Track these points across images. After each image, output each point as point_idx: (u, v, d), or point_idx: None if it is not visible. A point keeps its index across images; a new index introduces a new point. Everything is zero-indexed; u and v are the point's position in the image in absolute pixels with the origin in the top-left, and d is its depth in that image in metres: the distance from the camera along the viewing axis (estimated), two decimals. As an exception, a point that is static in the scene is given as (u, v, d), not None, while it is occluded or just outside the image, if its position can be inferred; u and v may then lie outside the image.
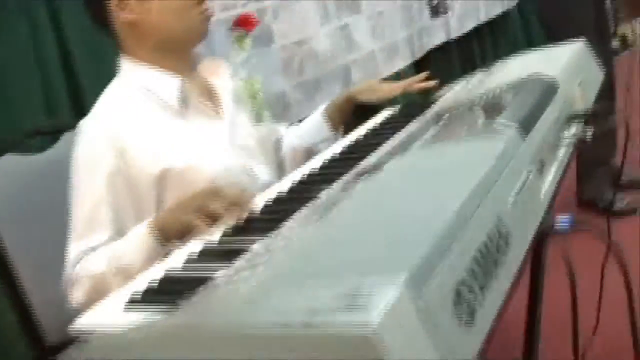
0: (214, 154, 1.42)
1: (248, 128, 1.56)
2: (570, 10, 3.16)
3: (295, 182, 1.17)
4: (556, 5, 3.20)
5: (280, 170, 1.72)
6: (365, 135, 1.39)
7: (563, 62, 1.29)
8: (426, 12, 3.71)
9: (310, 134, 1.75)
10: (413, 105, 1.55)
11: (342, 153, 1.31)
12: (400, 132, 1.23)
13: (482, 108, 1.06)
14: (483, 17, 4.53)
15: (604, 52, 3.34)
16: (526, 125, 0.88)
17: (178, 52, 1.44)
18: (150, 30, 1.40)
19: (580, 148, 1.06)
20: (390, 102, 1.68)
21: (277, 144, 1.73)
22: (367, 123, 1.57)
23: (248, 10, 2.31)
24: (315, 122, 1.76)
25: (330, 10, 2.82)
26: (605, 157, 3.22)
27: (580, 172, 3.29)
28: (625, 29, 7.22)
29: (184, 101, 1.41)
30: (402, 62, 3.28)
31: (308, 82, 2.64)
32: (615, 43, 6.92)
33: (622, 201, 3.18)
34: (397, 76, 3.21)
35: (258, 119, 1.60)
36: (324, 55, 2.74)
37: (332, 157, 1.29)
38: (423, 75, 1.71)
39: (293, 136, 1.76)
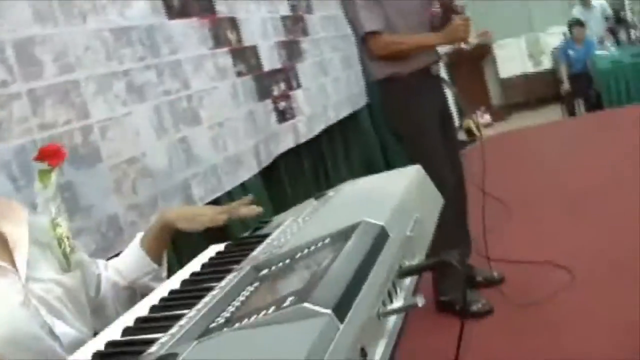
0: (1, 313, 1.20)
1: (50, 277, 1.34)
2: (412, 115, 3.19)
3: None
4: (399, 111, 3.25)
5: (99, 316, 1.51)
6: (181, 287, 1.21)
7: (397, 198, 1.18)
8: (273, 117, 3.62)
9: (131, 268, 1.56)
10: (239, 244, 1.40)
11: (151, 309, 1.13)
12: (213, 292, 1.06)
13: (297, 272, 0.92)
14: (333, 118, 4.53)
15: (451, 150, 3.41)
16: (342, 310, 0.74)
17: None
18: None
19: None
20: (220, 229, 1.53)
21: (97, 285, 1.52)
22: (192, 262, 1.39)
23: (63, 130, 2.11)
24: (134, 255, 1.58)
25: (166, 122, 2.66)
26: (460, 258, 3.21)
27: (435, 275, 3.25)
28: (468, 122, 7.58)
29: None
30: (247, 173, 3.14)
31: (143, 202, 2.44)
32: (462, 135, 7.24)
33: (477, 303, 3.15)
34: (243, 187, 3.06)
35: (67, 264, 1.38)
36: (161, 171, 2.55)
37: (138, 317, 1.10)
38: (247, 199, 1.57)
39: (113, 272, 1.56)
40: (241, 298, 0.94)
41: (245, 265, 1.15)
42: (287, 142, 3.74)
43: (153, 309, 1.11)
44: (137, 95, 2.54)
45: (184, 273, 1.30)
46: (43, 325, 1.26)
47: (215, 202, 2.81)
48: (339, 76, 4.93)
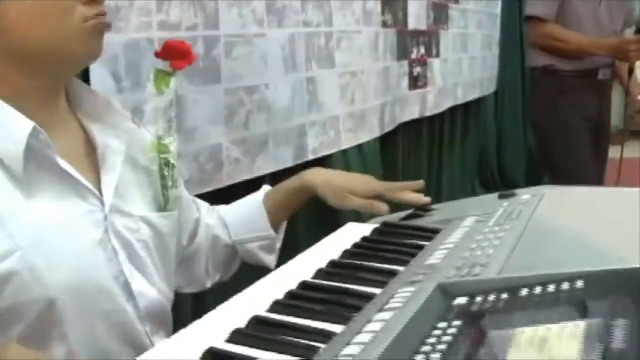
0: (68, 250, 0.87)
1: (141, 213, 1.01)
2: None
3: None
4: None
5: (184, 272, 1.18)
6: (317, 280, 0.85)
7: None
8: (405, 81, 3.24)
9: (243, 225, 1.22)
10: (393, 233, 1.03)
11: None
12: (374, 304, 0.71)
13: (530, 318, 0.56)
14: (460, 98, 4.14)
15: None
16: None
17: (42, 79, 0.90)
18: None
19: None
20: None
21: (192, 231, 1.18)
22: (325, 242, 1.04)
23: (185, 35, 1.77)
24: (251, 211, 1.24)
25: (298, 56, 2.30)
26: None
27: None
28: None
29: (36, 160, 0.87)
30: (368, 135, 2.76)
31: (252, 138, 2.10)
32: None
33: None
34: (360, 149, 2.70)
35: (163, 200, 1.05)
36: (279, 109, 2.20)
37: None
38: (416, 184, 1.21)
39: (217, 222, 1.22)
40: (440, 346, 0.58)
41: (420, 274, 0.78)
42: (413, 111, 3.36)
43: (277, 307, 0.76)
44: (274, 18, 2.18)
45: (314, 255, 0.94)
46: (118, 276, 0.93)
47: (328, 157, 2.46)
48: (476, 55, 4.50)
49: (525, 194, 1.07)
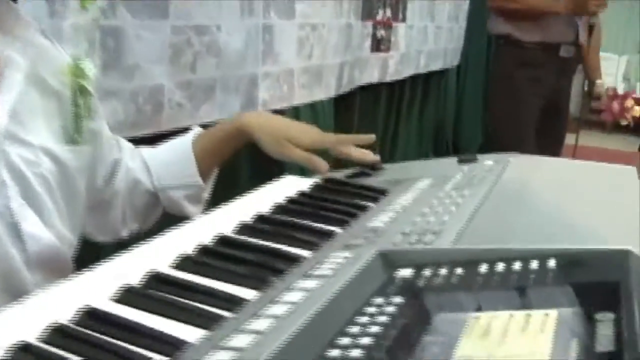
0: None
1: (43, 144, 0.86)
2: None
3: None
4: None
5: (98, 217, 1.04)
6: (239, 238, 0.72)
7: None
8: (367, 42, 3.10)
9: (168, 172, 1.08)
10: (335, 191, 0.90)
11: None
12: (303, 268, 0.58)
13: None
14: (422, 67, 4.03)
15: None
16: None
17: None
18: None
19: None
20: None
21: (110, 173, 1.04)
22: (253, 196, 0.90)
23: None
24: (178, 157, 1.09)
25: (256, 2, 2.14)
26: None
27: None
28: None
29: None
30: (323, 93, 2.62)
31: (198, 83, 1.94)
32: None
33: None
34: (313, 108, 2.56)
35: (74, 132, 0.90)
36: (231, 55, 2.05)
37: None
38: (366, 138, 1.08)
39: (140, 166, 1.08)
40: (378, 318, 0.46)
41: (359, 237, 0.66)
42: (372, 75, 3.22)
43: (185, 263, 0.62)
44: (234, -46, 2.02)
45: (240, 207, 0.81)
46: (3, 214, 0.78)
47: (279, 113, 2.32)
48: (442, 26, 4.38)
49: (487, 160, 0.96)
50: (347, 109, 3.05)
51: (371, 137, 1.08)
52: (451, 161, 1.00)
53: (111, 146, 1.03)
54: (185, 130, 1.14)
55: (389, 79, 3.44)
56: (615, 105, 8.16)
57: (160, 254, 0.64)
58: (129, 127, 1.69)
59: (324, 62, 2.61)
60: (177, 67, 1.85)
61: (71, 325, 0.51)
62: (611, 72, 9.77)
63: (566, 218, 0.64)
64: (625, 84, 9.90)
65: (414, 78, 3.97)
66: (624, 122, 8.22)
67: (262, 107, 2.22)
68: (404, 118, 3.96)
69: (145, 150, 1.11)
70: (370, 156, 1.04)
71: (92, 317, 0.52)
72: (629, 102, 8.36)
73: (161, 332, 0.50)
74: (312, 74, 2.52)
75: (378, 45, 3.23)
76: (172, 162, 1.07)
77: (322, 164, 1.01)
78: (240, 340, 0.46)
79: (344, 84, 2.85)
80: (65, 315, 0.52)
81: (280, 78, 2.32)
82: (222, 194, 1.17)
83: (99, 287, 0.57)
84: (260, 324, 0.47)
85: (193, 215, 1.07)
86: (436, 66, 4.35)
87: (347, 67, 2.86)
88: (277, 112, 2.29)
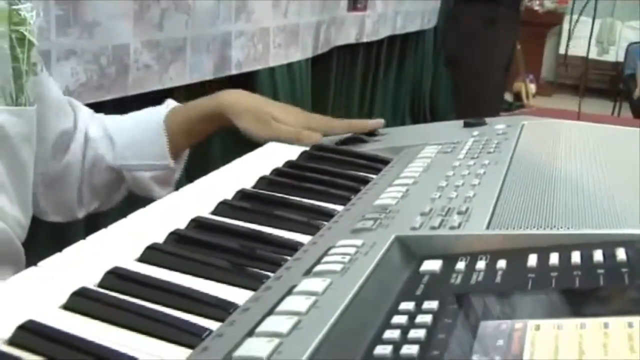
0: None
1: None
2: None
3: None
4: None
5: (51, 196, 0.90)
6: (220, 218, 0.59)
7: None
8: (344, 1, 2.96)
9: (135, 148, 0.94)
10: (329, 160, 0.77)
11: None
12: (307, 251, 0.46)
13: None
14: (399, 28, 3.90)
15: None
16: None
17: None
18: None
19: None
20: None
21: (64, 145, 0.90)
22: (233, 165, 0.77)
23: None
24: (148, 133, 0.95)
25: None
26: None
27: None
28: (520, 85, 6.99)
29: None
30: (299, 54, 2.48)
31: (166, 43, 1.79)
32: (508, 96, 6.67)
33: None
34: (289, 69, 2.42)
35: (14, 91, 0.75)
36: (202, 12, 1.90)
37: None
38: (377, 122, 0.95)
39: (102, 138, 0.94)
40: (413, 334, 0.34)
41: (368, 219, 0.53)
42: (349, 35, 3.09)
43: (151, 254, 0.50)
44: None
45: (218, 182, 0.68)
46: None
47: (254, 74, 2.18)
48: (420, -15, 4.24)
49: (497, 124, 0.84)
50: (324, 71, 2.92)
51: (380, 122, 0.95)
52: (455, 124, 0.88)
53: (62, 110, 0.89)
54: (153, 95, 1.01)
55: (365, 39, 3.31)
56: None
57: (121, 246, 0.51)
58: (91, 90, 1.55)
59: (300, 21, 2.46)
60: (143, 25, 1.70)
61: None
62: (582, 35, 9.72)
63: (623, 194, 0.53)
64: (598, 48, 9.87)
65: (391, 39, 3.85)
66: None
67: (236, 68, 2.08)
68: (381, 80, 3.85)
69: (109, 120, 0.97)
70: (371, 122, 0.91)
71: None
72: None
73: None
74: (288, 33, 2.38)
75: (354, 3, 3.10)
76: (141, 139, 0.93)
77: (315, 135, 0.88)
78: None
79: (320, 44, 2.71)
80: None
81: (255, 37, 2.18)
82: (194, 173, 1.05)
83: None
84: (249, 348, 0.35)
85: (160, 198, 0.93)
86: (413, 27, 4.23)
87: (323, 27, 2.72)
88: (251, 74, 2.17)
